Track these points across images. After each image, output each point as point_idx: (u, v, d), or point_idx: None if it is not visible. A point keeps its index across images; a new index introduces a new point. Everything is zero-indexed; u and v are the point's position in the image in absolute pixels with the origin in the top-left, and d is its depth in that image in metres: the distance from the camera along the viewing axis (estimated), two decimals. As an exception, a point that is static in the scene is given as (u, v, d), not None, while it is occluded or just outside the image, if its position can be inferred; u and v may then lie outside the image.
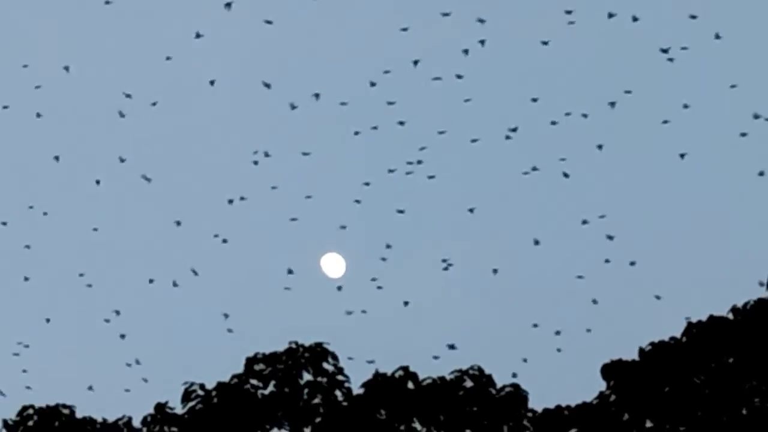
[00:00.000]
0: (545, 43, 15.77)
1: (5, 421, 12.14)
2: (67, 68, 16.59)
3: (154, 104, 16.42)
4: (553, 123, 15.99)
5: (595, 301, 15.38)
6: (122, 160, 16.30)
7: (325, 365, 11.65)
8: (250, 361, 11.69)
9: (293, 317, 15.20)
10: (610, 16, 14.98)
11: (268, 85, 15.92)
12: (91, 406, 12.08)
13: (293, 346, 11.75)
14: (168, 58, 16.48)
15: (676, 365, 10.74)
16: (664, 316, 13.36)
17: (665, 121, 16.04)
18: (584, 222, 15.47)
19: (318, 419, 11.23)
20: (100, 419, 12.14)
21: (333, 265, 16.02)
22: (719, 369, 10.61)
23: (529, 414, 11.58)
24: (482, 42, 14.95)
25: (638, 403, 10.84)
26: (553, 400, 11.20)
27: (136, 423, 11.93)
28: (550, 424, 11.03)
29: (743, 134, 15.44)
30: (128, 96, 16.22)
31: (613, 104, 15.36)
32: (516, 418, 11.57)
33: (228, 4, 14.57)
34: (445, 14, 15.54)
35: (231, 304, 17.50)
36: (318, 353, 11.66)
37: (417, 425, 11.29)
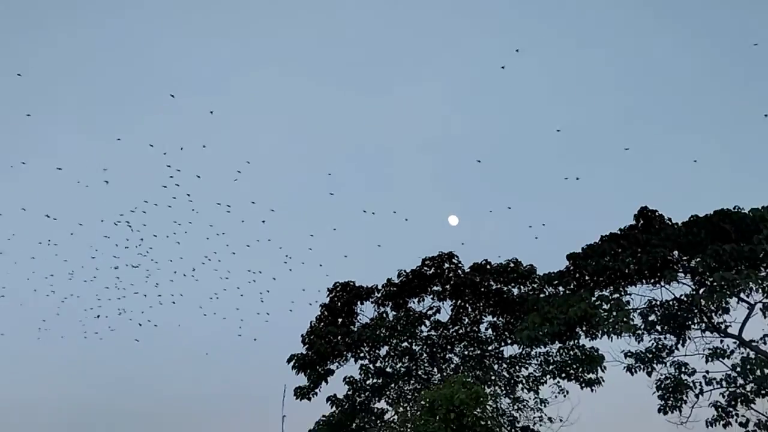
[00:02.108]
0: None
1: (328, 288, 26.57)
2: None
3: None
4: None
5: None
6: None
7: (447, 263, 25.99)
8: (423, 260, 26.01)
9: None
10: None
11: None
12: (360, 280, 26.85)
13: (442, 252, 25.95)
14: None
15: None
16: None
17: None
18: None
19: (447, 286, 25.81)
20: (364, 285, 26.75)
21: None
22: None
23: (537, 277, 25.49)
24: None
25: (581, 273, 23.33)
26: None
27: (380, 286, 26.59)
28: (548, 282, 24.05)
29: None
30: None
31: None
32: (531, 280, 25.62)
33: None
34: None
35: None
36: (448, 257, 26.04)
37: (488, 281, 25.51)
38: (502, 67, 26.02)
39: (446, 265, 26.07)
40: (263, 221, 29.31)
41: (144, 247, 29.71)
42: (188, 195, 27.54)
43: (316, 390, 25.86)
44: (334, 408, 25.93)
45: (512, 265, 25.69)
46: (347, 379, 26.13)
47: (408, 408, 23.15)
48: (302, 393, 25.62)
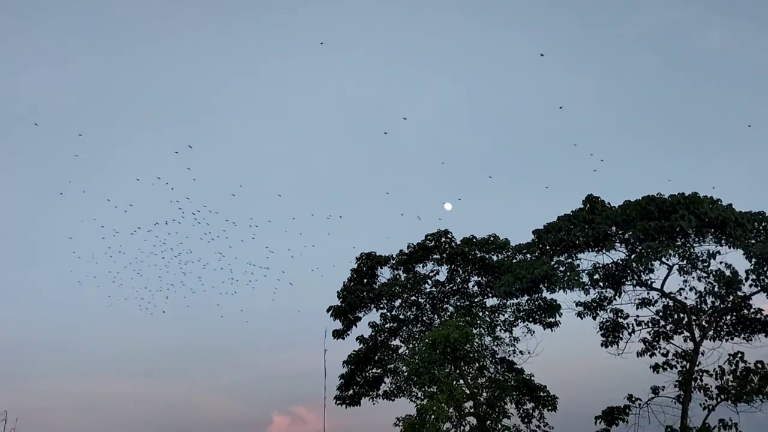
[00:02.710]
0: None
1: (356, 257, 32.98)
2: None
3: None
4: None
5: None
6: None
7: (443, 238, 32.36)
8: (426, 236, 31.97)
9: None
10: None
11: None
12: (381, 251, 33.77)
13: (440, 230, 32.34)
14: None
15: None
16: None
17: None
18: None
19: (444, 255, 32.48)
20: (383, 254, 32.93)
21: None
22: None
23: (510, 247, 31.27)
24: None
25: (543, 244, 27.85)
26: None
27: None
28: (519, 251, 29.25)
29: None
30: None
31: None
32: (506, 249, 31.62)
33: None
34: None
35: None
36: (444, 233, 32.72)
37: (474, 251, 32.25)
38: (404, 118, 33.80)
39: (443, 240, 32.11)
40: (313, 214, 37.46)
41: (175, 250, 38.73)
42: (198, 211, 36.19)
43: (348, 332, 32.98)
44: (361, 345, 32.86)
45: (492, 238, 31.65)
46: (371, 324, 33.15)
47: (416, 344, 28.73)
48: (338, 334, 32.98)
